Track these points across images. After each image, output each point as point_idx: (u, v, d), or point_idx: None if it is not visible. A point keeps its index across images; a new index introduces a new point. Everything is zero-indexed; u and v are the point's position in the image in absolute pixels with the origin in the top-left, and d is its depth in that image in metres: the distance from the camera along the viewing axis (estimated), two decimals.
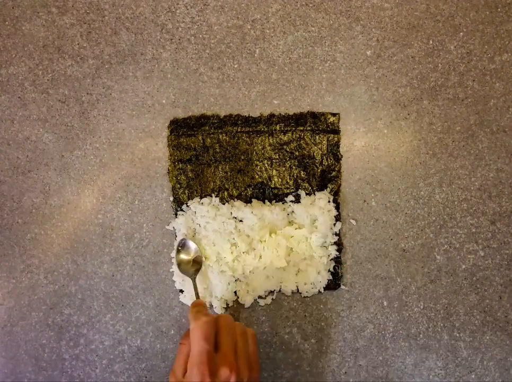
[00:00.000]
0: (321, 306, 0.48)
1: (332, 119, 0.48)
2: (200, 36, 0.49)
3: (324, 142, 0.48)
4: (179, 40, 0.49)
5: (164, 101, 0.49)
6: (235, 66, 0.49)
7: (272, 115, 0.49)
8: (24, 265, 0.49)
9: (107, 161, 0.49)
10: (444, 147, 0.49)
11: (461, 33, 0.49)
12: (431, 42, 0.49)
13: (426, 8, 0.49)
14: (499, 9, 0.49)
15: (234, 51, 0.49)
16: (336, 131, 0.48)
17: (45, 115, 0.49)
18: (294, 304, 0.49)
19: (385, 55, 0.49)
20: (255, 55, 0.49)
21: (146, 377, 0.49)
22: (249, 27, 0.49)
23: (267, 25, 0.49)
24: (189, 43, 0.49)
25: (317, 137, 0.48)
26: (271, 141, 0.48)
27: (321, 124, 0.48)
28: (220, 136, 0.48)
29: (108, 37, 0.49)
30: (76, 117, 0.49)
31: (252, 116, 0.48)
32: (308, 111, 0.49)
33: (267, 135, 0.48)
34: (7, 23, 0.49)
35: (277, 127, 0.48)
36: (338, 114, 0.48)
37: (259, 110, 0.49)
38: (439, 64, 0.49)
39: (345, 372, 0.48)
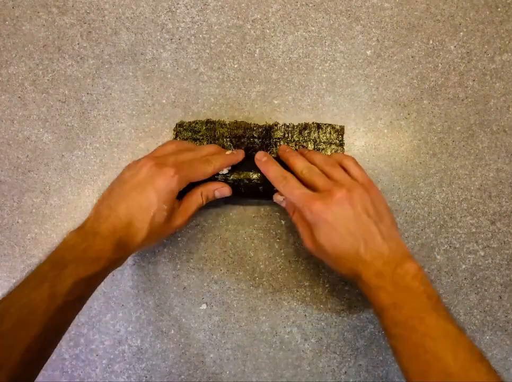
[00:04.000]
0: (322, 306, 0.48)
1: (336, 131, 0.48)
2: (200, 36, 0.49)
3: (327, 154, 0.47)
4: (179, 39, 0.49)
5: (164, 101, 0.49)
6: (235, 66, 0.49)
7: (275, 124, 0.47)
8: (24, 265, 0.49)
9: (108, 161, 0.49)
10: (445, 147, 0.49)
11: (461, 33, 0.49)
12: (431, 41, 0.49)
13: (426, 8, 0.49)
14: (499, 9, 0.49)
15: (234, 51, 0.49)
16: (341, 144, 0.48)
17: (45, 115, 0.49)
18: (295, 303, 0.49)
19: (385, 55, 0.49)
20: (255, 55, 0.49)
21: (146, 377, 0.49)
22: (249, 27, 0.49)
23: (267, 25, 0.49)
24: (189, 43, 0.49)
25: (320, 149, 0.47)
26: (274, 150, 0.47)
27: (325, 136, 0.48)
28: (225, 143, 0.47)
29: (109, 37, 0.49)
30: (76, 117, 0.49)
31: (258, 124, 0.48)
32: (313, 122, 0.48)
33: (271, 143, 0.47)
34: (7, 22, 0.49)
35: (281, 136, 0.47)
36: (343, 127, 0.48)
37: (259, 109, 0.49)
38: (439, 64, 0.49)
39: (345, 372, 0.48)
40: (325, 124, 0.47)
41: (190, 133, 0.47)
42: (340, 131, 0.47)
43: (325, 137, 0.47)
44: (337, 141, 0.47)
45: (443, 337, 0.30)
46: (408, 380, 0.31)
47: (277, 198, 0.44)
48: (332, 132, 0.47)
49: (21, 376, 0.31)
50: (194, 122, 0.48)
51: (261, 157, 0.43)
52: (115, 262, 0.36)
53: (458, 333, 0.31)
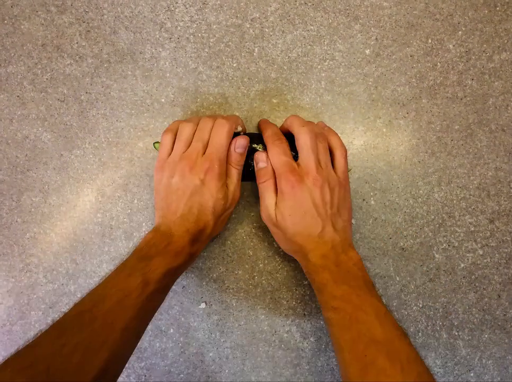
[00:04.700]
0: None
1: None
2: (199, 35, 0.49)
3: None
4: (178, 38, 0.49)
5: (162, 100, 0.49)
6: (234, 65, 0.49)
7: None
8: (23, 264, 0.49)
9: (106, 160, 0.49)
10: (443, 146, 0.49)
11: (460, 32, 0.49)
12: (430, 41, 0.49)
13: (425, 7, 0.49)
14: (497, 8, 0.49)
15: (232, 50, 0.49)
16: None
17: (44, 114, 0.49)
18: (294, 302, 0.49)
19: (384, 54, 0.49)
20: (254, 54, 0.49)
21: (145, 376, 0.49)
22: (248, 26, 0.49)
23: (266, 24, 0.49)
24: (188, 42, 0.49)
25: None
26: None
27: None
28: None
29: (107, 36, 0.49)
30: (75, 116, 0.49)
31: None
32: None
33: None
34: (6, 21, 0.49)
35: None
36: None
37: (258, 109, 0.49)
38: (438, 63, 0.49)
39: None
40: None
41: None
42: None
43: None
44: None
45: (374, 312, 0.34)
46: (338, 347, 0.34)
47: (261, 157, 0.42)
48: None
49: (120, 353, 0.33)
50: None
51: (265, 120, 0.47)
52: (193, 255, 0.41)
53: (386, 312, 0.35)
